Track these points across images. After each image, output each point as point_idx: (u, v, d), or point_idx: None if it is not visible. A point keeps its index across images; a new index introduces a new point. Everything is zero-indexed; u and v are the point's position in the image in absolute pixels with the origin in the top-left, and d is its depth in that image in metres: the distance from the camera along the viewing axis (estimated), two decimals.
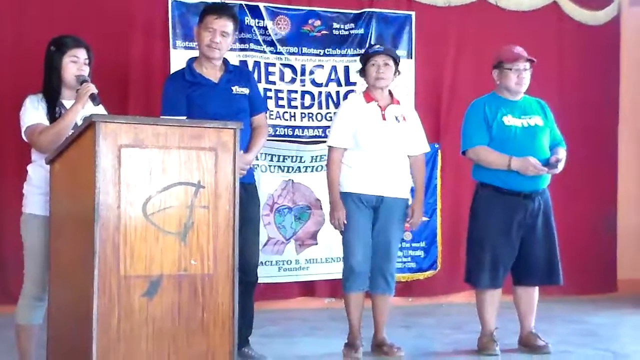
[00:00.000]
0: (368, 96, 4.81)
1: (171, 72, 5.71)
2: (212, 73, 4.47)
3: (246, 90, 4.52)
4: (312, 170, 6.49)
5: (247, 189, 4.37)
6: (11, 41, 5.85)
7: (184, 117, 3.93)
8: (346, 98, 6.47)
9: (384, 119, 4.76)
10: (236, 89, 4.48)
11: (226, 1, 6.18)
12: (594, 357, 4.78)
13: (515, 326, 4.99)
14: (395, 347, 4.74)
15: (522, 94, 4.92)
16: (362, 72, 4.86)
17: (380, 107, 4.78)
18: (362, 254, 4.68)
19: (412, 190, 4.93)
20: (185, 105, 4.32)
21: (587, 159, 7.16)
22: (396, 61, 4.83)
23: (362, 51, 6.43)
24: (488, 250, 4.77)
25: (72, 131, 3.78)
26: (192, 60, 4.56)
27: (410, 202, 4.87)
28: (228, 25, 4.43)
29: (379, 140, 4.71)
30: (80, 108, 3.85)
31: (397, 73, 4.87)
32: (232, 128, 3.53)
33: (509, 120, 4.80)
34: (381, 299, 4.81)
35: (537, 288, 4.93)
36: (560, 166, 4.75)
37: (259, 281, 4.74)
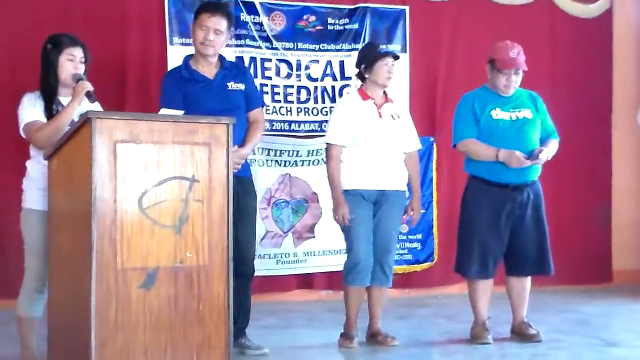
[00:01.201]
0: (364, 94, 4.89)
1: (168, 69, 5.83)
2: (208, 70, 4.55)
3: (242, 86, 4.59)
4: (308, 164, 6.56)
5: (243, 182, 4.45)
6: (7, 38, 5.89)
7: (182, 112, 4.00)
8: (342, 92, 6.58)
9: (380, 116, 4.84)
10: (232, 85, 4.56)
11: None
12: (583, 344, 4.84)
13: (508, 316, 5.06)
14: (389, 337, 4.83)
15: None
16: (367, 69, 4.87)
17: (376, 105, 4.86)
18: (366, 249, 4.75)
19: (408, 186, 5.01)
20: (182, 100, 4.38)
21: (581, 150, 7.25)
22: None
23: (357, 46, 6.55)
24: (476, 242, 4.86)
25: (69, 128, 3.87)
26: (189, 57, 4.63)
27: (407, 195, 4.97)
28: (222, 23, 4.50)
29: (377, 138, 4.79)
30: (77, 105, 3.93)
31: None
32: (225, 123, 3.62)
33: (497, 113, 4.87)
34: (378, 291, 4.89)
35: (529, 278, 5.00)
36: (544, 157, 4.81)
37: (257, 274, 4.81)
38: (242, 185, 4.36)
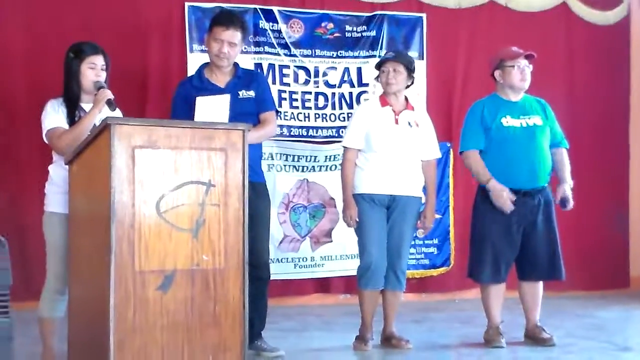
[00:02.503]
0: (384, 100, 4.97)
1: (187, 76, 5.95)
2: (221, 79, 4.64)
3: (252, 93, 4.66)
4: (326, 170, 6.64)
5: (256, 188, 4.51)
6: (31, 46, 6.03)
7: (227, 95, 4.17)
8: (359, 99, 6.67)
9: (397, 123, 4.90)
10: (243, 93, 4.63)
11: (241, 5, 6.38)
12: (595, 349, 4.88)
13: (523, 320, 5.10)
14: (403, 340, 4.89)
15: (522, 94, 5.04)
16: (377, 78, 5.03)
17: (394, 111, 4.92)
18: (378, 252, 4.81)
19: (424, 190, 5.06)
20: (188, 113, 4.39)
21: (599, 157, 7.29)
22: (408, 67, 4.93)
23: (375, 53, 6.64)
24: (489, 247, 4.91)
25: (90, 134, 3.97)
26: (204, 66, 4.72)
27: (422, 201, 5.02)
28: (236, 36, 4.57)
29: (391, 143, 4.85)
30: (98, 113, 4.01)
31: (411, 78, 4.98)
32: (241, 129, 3.70)
33: (507, 121, 4.93)
34: (392, 295, 4.95)
35: (541, 283, 5.04)
36: (571, 201, 4.97)
37: (275, 278, 4.89)
38: (254, 191, 4.41)
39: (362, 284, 4.87)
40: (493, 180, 4.86)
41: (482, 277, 4.98)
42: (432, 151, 5.04)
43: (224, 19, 4.62)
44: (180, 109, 4.50)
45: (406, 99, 5.01)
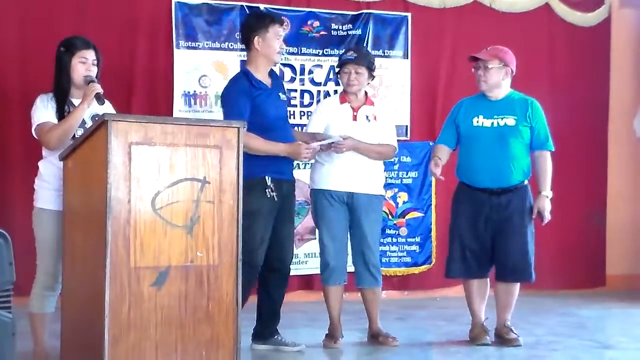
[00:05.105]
0: (343, 97, 5.01)
1: (175, 72, 6.01)
2: (266, 79, 4.67)
3: (284, 97, 4.82)
4: (310, 167, 6.64)
5: (294, 185, 4.75)
6: (17, 42, 5.98)
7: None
8: None
9: (355, 119, 4.94)
10: (281, 96, 4.76)
11: (228, 3, 6.39)
12: (580, 347, 4.95)
13: (515, 320, 5.10)
14: (390, 337, 4.92)
15: (505, 92, 5.03)
16: (338, 76, 5.09)
17: (352, 108, 4.96)
18: (334, 248, 4.87)
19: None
20: (249, 110, 4.49)
21: (578, 157, 7.34)
22: (369, 67, 4.96)
23: None
24: (457, 242, 5.00)
25: (80, 129, 3.96)
26: (244, 64, 4.79)
27: (385, 198, 5.15)
28: None
29: None
30: (86, 107, 4.00)
31: (371, 77, 5.04)
32: (236, 127, 3.72)
33: (477, 120, 4.97)
34: (370, 292, 4.98)
35: (515, 284, 4.99)
36: (547, 214, 4.95)
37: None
38: (293, 188, 4.68)
39: (324, 280, 4.96)
40: (434, 159, 4.97)
41: (450, 271, 5.06)
42: (388, 139, 4.99)
43: (280, 18, 4.81)
44: (245, 105, 4.50)
45: (366, 94, 5.04)
